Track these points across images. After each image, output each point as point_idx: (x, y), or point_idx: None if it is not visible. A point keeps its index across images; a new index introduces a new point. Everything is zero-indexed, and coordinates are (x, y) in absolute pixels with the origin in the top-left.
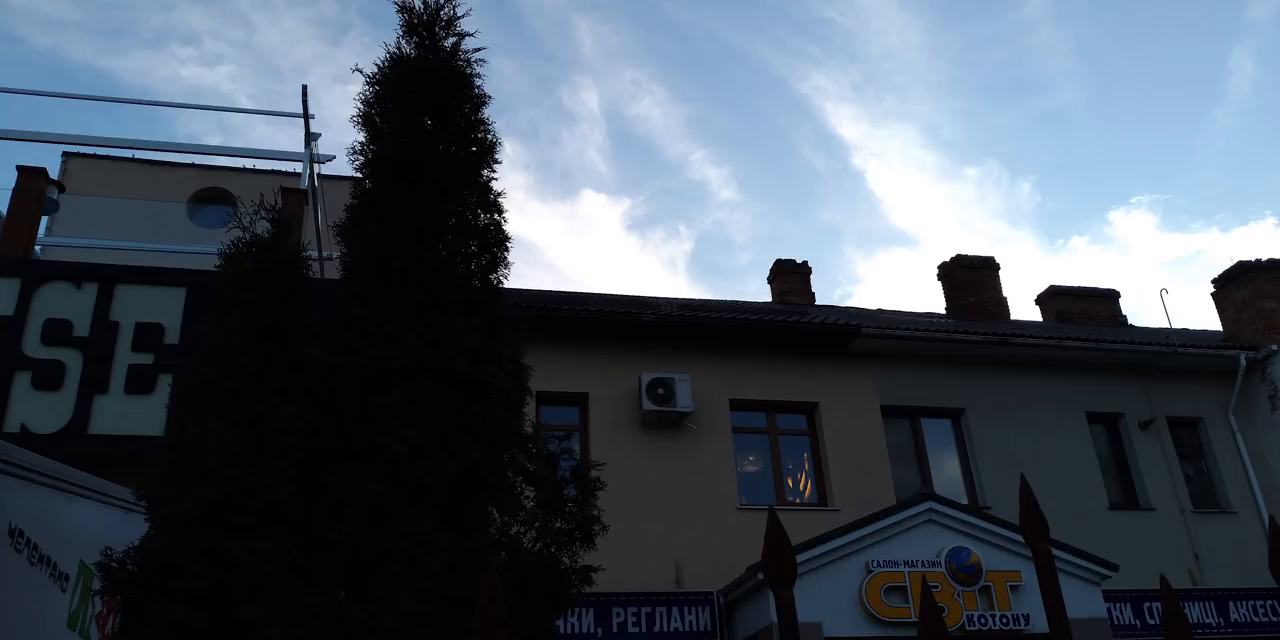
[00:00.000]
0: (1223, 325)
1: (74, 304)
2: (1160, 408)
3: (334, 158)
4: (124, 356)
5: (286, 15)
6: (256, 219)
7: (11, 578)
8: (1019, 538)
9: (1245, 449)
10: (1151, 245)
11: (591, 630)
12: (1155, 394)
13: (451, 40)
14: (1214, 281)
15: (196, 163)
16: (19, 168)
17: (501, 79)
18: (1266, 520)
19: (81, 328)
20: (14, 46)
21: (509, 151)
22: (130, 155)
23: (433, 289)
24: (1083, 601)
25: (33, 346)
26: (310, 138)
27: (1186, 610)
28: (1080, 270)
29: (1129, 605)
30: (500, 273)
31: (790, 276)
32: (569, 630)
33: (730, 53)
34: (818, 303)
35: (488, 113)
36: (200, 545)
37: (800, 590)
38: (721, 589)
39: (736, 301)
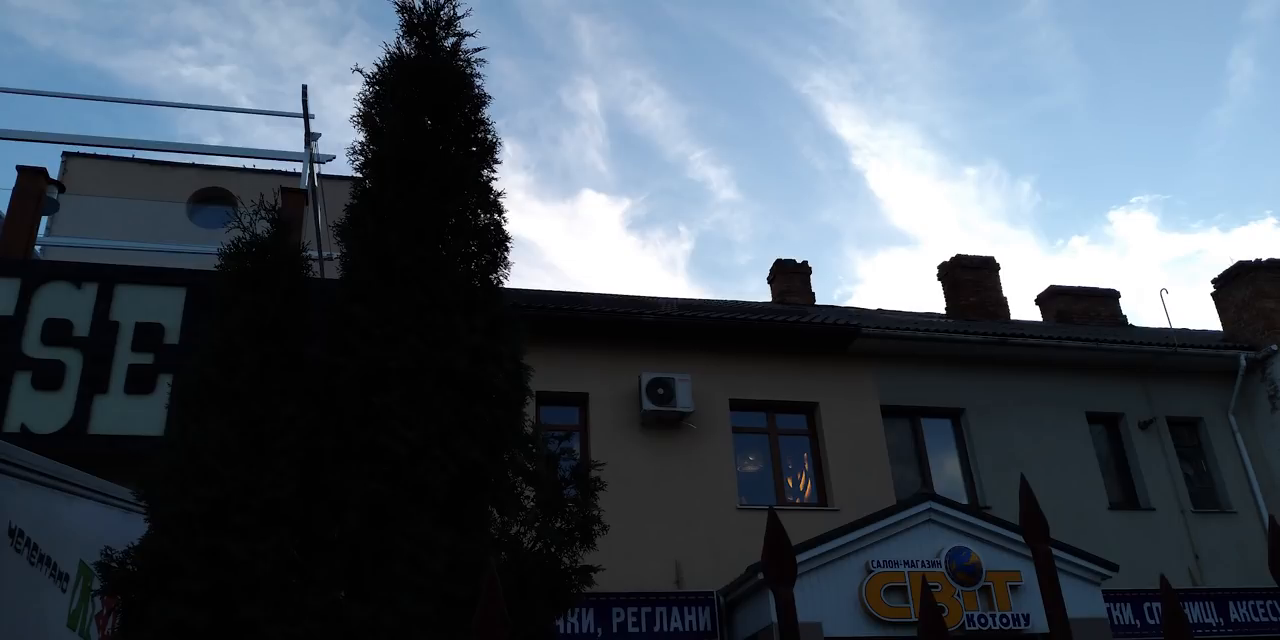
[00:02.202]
0: (1223, 325)
1: (74, 304)
2: (1160, 408)
3: (334, 158)
4: (124, 356)
5: (286, 15)
6: (256, 219)
7: (11, 578)
8: (1019, 538)
9: (1245, 449)
10: (1151, 245)
11: (591, 630)
12: (1155, 394)
13: (451, 40)
14: (1214, 281)
15: (196, 163)
16: (19, 168)
17: (501, 79)
18: (1266, 520)
19: (81, 328)
20: (14, 46)
21: (509, 151)
22: (130, 155)
23: (433, 289)
24: (1083, 601)
25: (33, 346)
26: (310, 138)
27: (1186, 610)
28: (1080, 270)
29: (1129, 605)
30: (500, 273)
31: (790, 276)
32: (569, 630)
33: (730, 53)
34: (818, 303)
35: (488, 113)
36: (200, 545)
37: (800, 590)
38: (721, 589)
39: (736, 301)
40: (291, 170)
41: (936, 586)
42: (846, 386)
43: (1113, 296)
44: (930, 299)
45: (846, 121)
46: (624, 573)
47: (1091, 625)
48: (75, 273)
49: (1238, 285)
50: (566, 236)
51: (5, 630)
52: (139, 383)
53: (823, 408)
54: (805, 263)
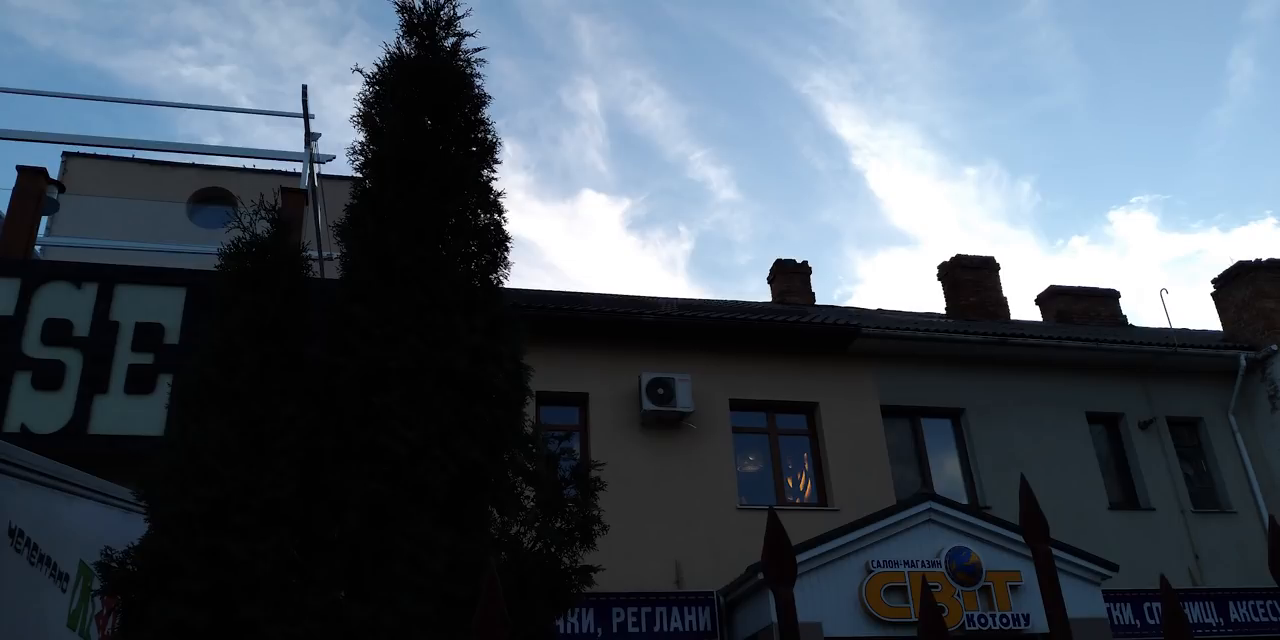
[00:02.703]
0: (1223, 325)
1: (74, 304)
2: (1160, 408)
3: (334, 158)
4: (124, 356)
5: (286, 15)
6: (256, 219)
7: (11, 578)
8: (1019, 538)
9: (1245, 449)
10: (1151, 245)
11: (591, 630)
12: (1155, 394)
13: (451, 40)
14: (1214, 281)
15: (196, 163)
16: (19, 168)
17: (501, 79)
18: (1266, 520)
19: (81, 328)
20: (14, 46)
21: (509, 151)
22: (130, 155)
23: (433, 289)
24: (1083, 601)
25: (33, 346)
26: (310, 138)
27: (1186, 610)
28: (1080, 270)
29: (1129, 605)
30: (500, 273)
31: (790, 276)
32: (569, 630)
33: (730, 53)
34: (818, 303)
35: (488, 113)
36: (200, 545)
37: (800, 590)
38: (721, 589)
39: (736, 301)
40: (291, 170)
41: (936, 586)
42: (846, 386)
43: (1113, 296)
44: (930, 299)
45: (846, 121)
46: (624, 573)
47: (1091, 625)
48: (75, 273)
49: (1238, 285)
50: (566, 236)
51: (5, 630)
52: (139, 383)
53: (823, 408)
54: (805, 263)
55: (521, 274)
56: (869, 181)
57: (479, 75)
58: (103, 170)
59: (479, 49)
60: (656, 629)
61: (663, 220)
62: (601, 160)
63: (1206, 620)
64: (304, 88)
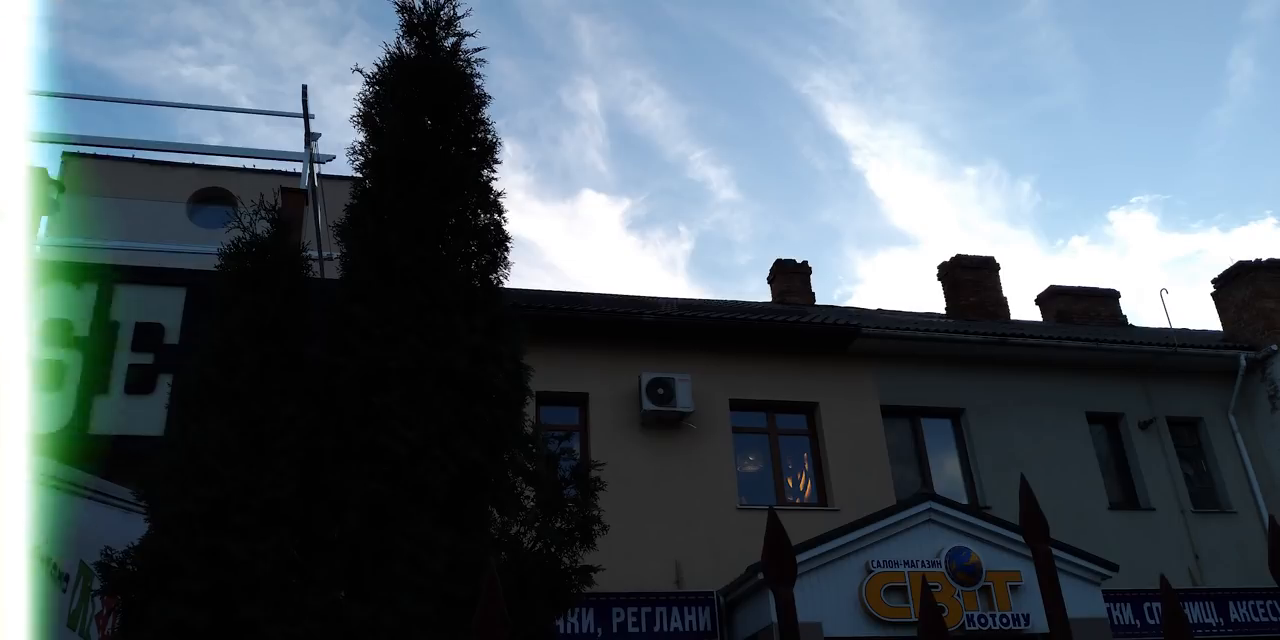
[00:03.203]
0: (1223, 325)
1: (74, 304)
2: (1160, 408)
3: (334, 158)
4: (124, 356)
5: (286, 15)
6: (256, 219)
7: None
8: (1019, 538)
9: (1245, 449)
10: (1151, 245)
11: (591, 630)
12: (1155, 394)
13: (451, 40)
14: (1214, 281)
15: (196, 163)
16: None
17: (501, 79)
18: (1266, 520)
19: (81, 328)
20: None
21: (509, 151)
22: (130, 155)
23: (433, 289)
24: (1083, 601)
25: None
26: (310, 138)
27: (1186, 610)
28: (1080, 270)
29: (1129, 605)
30: (500, 273)
31: (790, 276)
32: (569, 630)
33: (730, 53)
34: (818, 303)
35: (488, 113)
36: (200, 545)
37: (800, 590)
38: (721, 589)
39: (736, 301)
40: (291, 170)
41: (936, 586)
42: (846, 386)
43: (1113, 296)
44: (930, 299)
45: (846, 121)
46: (624, 573)
47: (1091, 625)
48: (75, 273)
49: (1238, 285)
50: (566, 236)
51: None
52: (139, 383)
53: (823, 408)
54: (805, 263)
55: (521, 274)
56: (869, 181)
57: (479, 75)
58: (103, 170)
59: (479, 49)
60: (656, 629)
61: (663, 220)
62: (601, 160)
63: (1206, 620)
64: (304, 88)
